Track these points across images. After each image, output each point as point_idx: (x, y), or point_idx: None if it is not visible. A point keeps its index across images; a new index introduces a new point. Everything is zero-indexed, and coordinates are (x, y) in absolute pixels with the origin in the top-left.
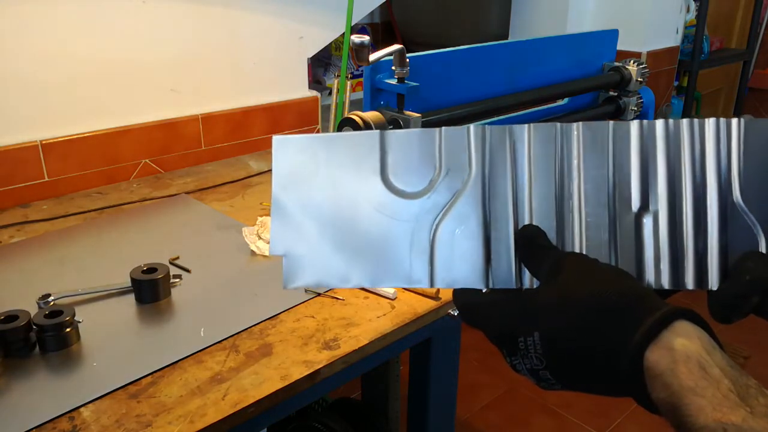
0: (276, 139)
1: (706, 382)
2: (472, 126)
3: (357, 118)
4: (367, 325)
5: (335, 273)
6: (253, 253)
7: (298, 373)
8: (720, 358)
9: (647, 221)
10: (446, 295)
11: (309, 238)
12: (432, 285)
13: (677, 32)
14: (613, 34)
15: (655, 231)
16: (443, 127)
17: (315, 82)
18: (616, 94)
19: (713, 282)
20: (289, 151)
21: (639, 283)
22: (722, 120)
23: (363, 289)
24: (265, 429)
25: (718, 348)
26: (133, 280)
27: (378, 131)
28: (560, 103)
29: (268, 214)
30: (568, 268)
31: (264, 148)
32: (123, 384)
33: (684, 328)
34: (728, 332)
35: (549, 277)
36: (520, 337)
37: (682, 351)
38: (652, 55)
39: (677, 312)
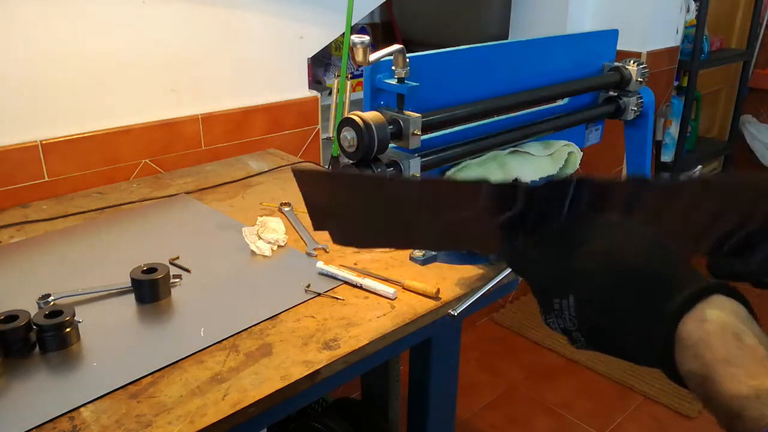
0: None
1: (741, 351)
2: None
3: (357, 118)
4: (367, 325)
5: None
6: (253, 253)
7: (298, 373)
8: (757, 328)
9: None
10: (446, 295)
11: None
12: None
13: (677, 32)
14: (613, 34)
15: None
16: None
17: (315, 82)
18: (616, 94)
19: None
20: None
21: (677, 253)
22: None
23: (362, 288)
24: (265, 429)
25: (754, 320)
26: (133, 280)
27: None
28: (560, 103)
29: (268, 214)
30: (607, 231)
31: (264, 147)
32: (123, 384)
33: (720, 302)
34: None
35: (589, 237)
36: (555, 298)
37: (717, 322)
38: (652, 55)
39: (715, 285)
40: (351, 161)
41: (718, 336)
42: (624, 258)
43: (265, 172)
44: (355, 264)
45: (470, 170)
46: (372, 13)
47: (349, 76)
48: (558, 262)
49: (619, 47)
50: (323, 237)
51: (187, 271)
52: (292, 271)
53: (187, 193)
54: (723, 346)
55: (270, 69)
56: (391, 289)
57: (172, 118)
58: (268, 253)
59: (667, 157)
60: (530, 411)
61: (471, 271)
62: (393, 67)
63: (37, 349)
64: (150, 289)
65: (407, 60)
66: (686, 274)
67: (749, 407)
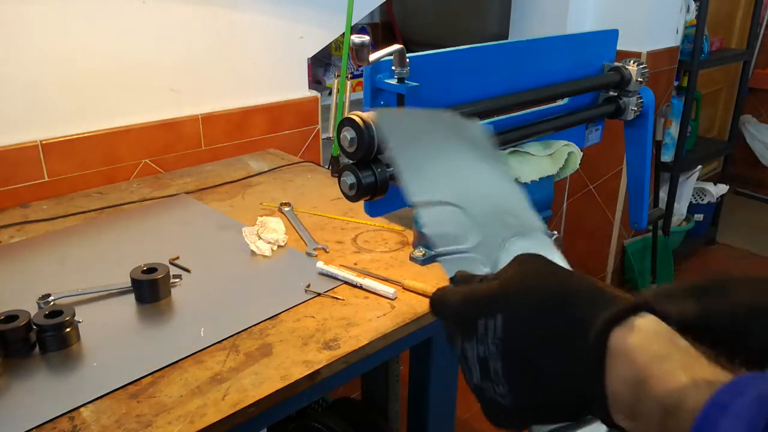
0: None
1: (675, 350)
2: None
3: (357, 118)
4: (367, 325)
5: None
6: (253, 253)
7: (298, 373)
8: (686, 341)
9: None
10: None
11: None
12: None
13: (677, 32)
14: (613, 34)
15: None
16: None
17: (315, 82)
18: (616, 94)
19: None
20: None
21: (591, 281)
22: None
23: (362, 288)
24: (265, 429)
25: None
26: (133, 280)
27: None
28: (560, 103)
29: (268, 214)
30: (535, 261)
31: (264, 147)
32: (123, 384)
33: (650, 317)
34: None
35: (514, 267)
36: (480, 319)
37: (650, 329)
38: (652, 55)
39: (642, 303)
40: (351, 161)
41: (652, 340)
42: (553, 277)
43: (265, 172)
44: (355, 264)
45: None
46: (372, 13)
47: (349, 76)
48: (486, 286)
49: (619, 47)
50: (323, 237)
51: (187, 271)
52: (292, 271)
53: (187, 193)
54: (657, 346)
55: (270, 69)
56: (391, 289)
57: (172, 118)
58: (268, 253)
59: (667, 157)
60: None
61: None
62: (393, 67)
63: (37, 349)
64: (150, 289)
65: (407, 60)
66: (615, 292)
67: (688, 397)
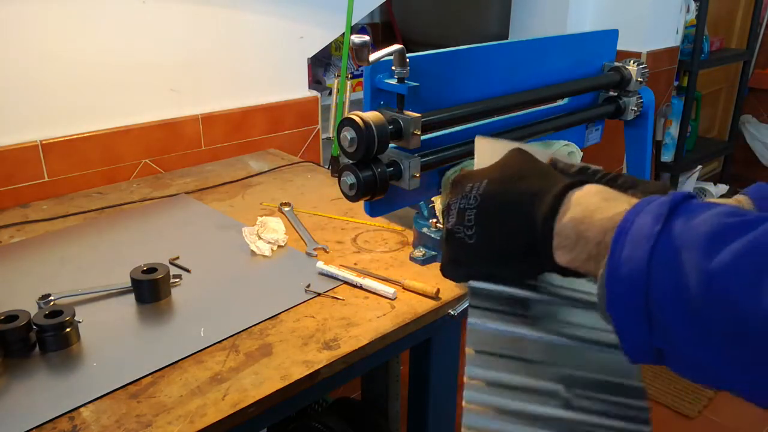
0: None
1: (620, 195)
2: None
3: (357, 118)
4: (367, 325)
5: None
6: (253, 253)
7: (298, 373)
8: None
9: None
10: (446, 294)
11: None
12: None
13: (677, 32)
14: (613, 34)
15: None
16: None
17: (315, 82)
18: (616, 94)
19: None
20: None
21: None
22: None
23: (362, 288)
24: (265, 429)
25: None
26: (133, 280)
27: None
28: (560, 103)
29: (268, 214)
30: (519, 152)
31: (264, 147)
32: (123, 384)
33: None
34: None
35: (505, 155)
36: (470, 183)
37: (601, 188)
38: (652, 55)
39: (586, 179)
40: (351, 161)
41: (602, 191)
42: (529, 163)
43: (265, 172)
44: (355, 264)
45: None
46: (372, 13)
47: (349, 76)
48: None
49: (619, 47)
50: (323, 237)
51: (187, 271)
52: (292, 271)
53: (187, 193)
54: (606, 194)
55: (270, 69)
56: (391, 289)
57: (172, 118)
58: (268, 253)
59: (667, 157)
60: None
61: None
62: (393, 67)
63: (37, 349)
64: (150, 289)
65: (407, 60)
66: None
67: (621, 215)
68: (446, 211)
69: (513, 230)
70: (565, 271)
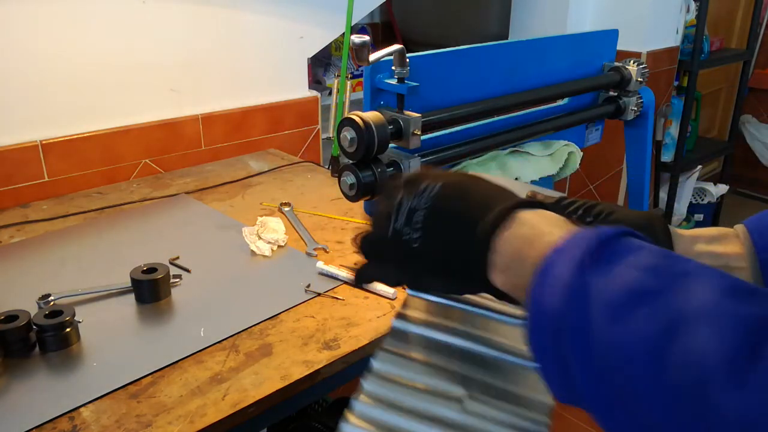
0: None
1: (559, 221)
2: None
3: (357, 118)
4: (367, 325)
5: None
6: (253, 253)
7: (298, 373)
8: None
9: None
10: None
11: None
12: None
13: (677, 32)
14: (613, 34)
15: None
16: None
17: (315, 82)
18: (616, 94)
19: None
20: None
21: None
22: None
23: (363, 288)
24: (265, 429)
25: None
26: (133, 280)
27: None
28: (560, 103)
29: (268, 214)
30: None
31: (264, 147)
32: (123, 384)
33: (531, 210)
34: None
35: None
36: (426, 182)
37: (549, 214)
38: (652, 55)
39: (525, 201)
40: (351, 161)
41: (540, 214)
42: (485, 181)
43: (265, 172)
44: (355, 264)
45: (470, 170)
46: (372, 13)
47: (349, 76)
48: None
49: (619, 47)
50: (323, 237)
51: (187, 271)
52: (292, 271)
53: (187, 193)
54: (546, 218)
55: (270, 69)
56: (391, 289)
57: (172, 118)
58: (268, 253)
59: (667, 157)
60: None
61: None
62: (393, 67)
63: (37, 349)
64: (150, 289)
65: (407, 60)
66: (509, 194)
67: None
68: (397, 208)
69: (455, 240)
70: (500, 294)
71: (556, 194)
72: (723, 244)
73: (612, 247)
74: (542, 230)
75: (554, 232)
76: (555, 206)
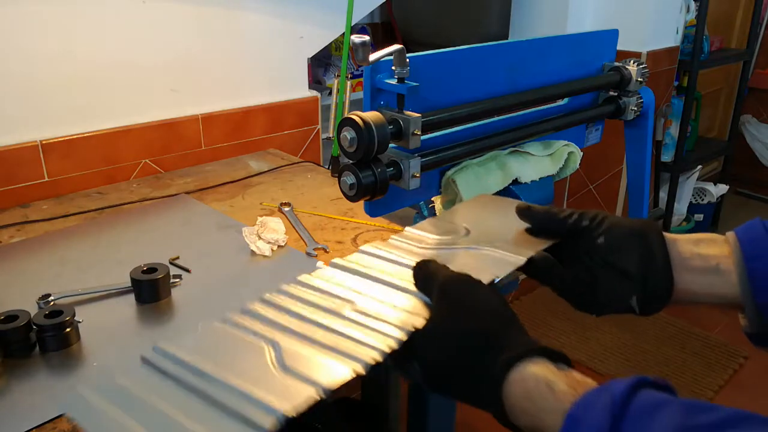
0: None
1: (554, 398)
2: None
3: (357, 118)
4: None
5: None
6: (253, 253)
7: None
8: (569, 377)
9: None
10: None
11: None
12: None
13: (677, 32)
14: (613, 34)
15: None
16: None
17: (315, 82)
18: (616, 94)
19: None
20: None
21: (507, 313)
22: None
23: None
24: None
25: (570, 369)
26: (133, 280)
27: None
28: (560, 103)
29: (268, 214)
30: (446, 297)
31: (264, 147)
32: None
33: (536, 360)
34: (728, 333)
35: (434, 305)
36: (405, 365)
37: (533, 378)
38: (652, 55)
39: (530, 349)
40: (351, 161)
41: (535, 390)
42: (456, 325)
43: (265, 172)
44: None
45: (470, 170)
46: (372, 13)
47: (349, 76)
48: (411, 334)
49: (619, 47)
50: (323, 237)
51: (187, 271)
52: (292, 271)
53: (187, 193)
54: (540, 397)
55: (270, 69)
56: None
57: (172, 118)
58: (268, 253)
59: (667, 157)
60: None
61: None
62: (393, 67)
63: (37, 349)
64: (150, 289)
65: (407, 60)
66: (509, 338)
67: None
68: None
69: (464, 399)
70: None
71: (546, 207)
72: (710, 247)
73: (629, 416)
74: (545, 412)
75: (545, 411)
76: (548, 215)
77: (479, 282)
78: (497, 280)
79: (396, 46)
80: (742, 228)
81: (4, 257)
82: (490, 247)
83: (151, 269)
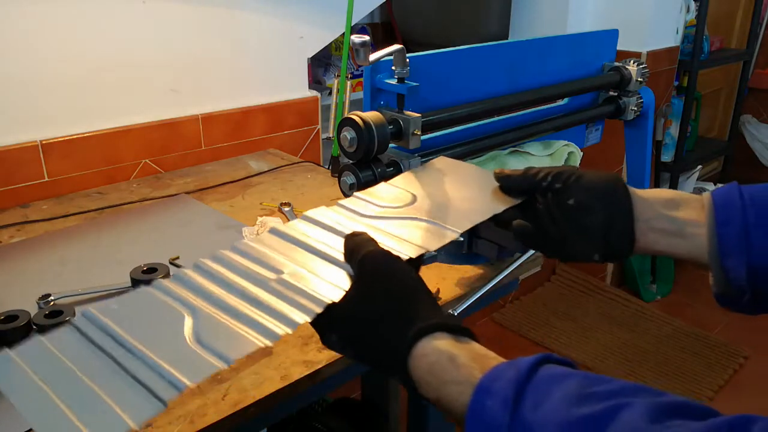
0: None
1: (456, 371)
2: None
3: (357, 118)
4: None
5: None
6: None
7: (298, 373)
8: (472, 349)
9: None
10: (446, 295)
11: None
12: None
13: (677, 32)
14: (613, 34)
15: None
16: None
17: (315, 82)
18: (616, 94)
19: None
20: None
21: (418, 289)
22: None
23: None
24: (265, 429)
25: (473, 342)
26: (133, 280)
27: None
28: (560, 103)
29: (268, 214)
30: (363, 272)
31: (264, 147)
32: None
33: (436, 336)
34: (728, 333)
35: (353, 279)
36: (324, 334)
37: (435, 352)
38: (652, 55)
39: (435, 324)
40: (351, 161)
41: (437, 363)
42: (370, 304)
43: (265, 172)
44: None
45: None
46: (372, 13)
47: (349, 76)
48: (329, 308)
49: (619, 47)
50: None
51: None
52: None
53: (187, 193)
54: (442, 370)
55: (270, 69)
56: None
57: (172, 118)
58: None
59: (667, 157)
60: None
61: (471, 271)
62: (393, 67)
63: None
64: None
65: (407, 60)
66: (417, 315)
67: (469, 393)
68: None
69: (376, 365)
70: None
71: (543, 166)
72: (681, 210)
73: (532, 384)
74: (446, 384)
75: (452, 382)
76: (524, 177)
77: (396, 258)
78: (428, 255)
79: (396, 46)
80: (719, 191)
81: (4, 257)
82: (428, 218)
83: (151, 269)
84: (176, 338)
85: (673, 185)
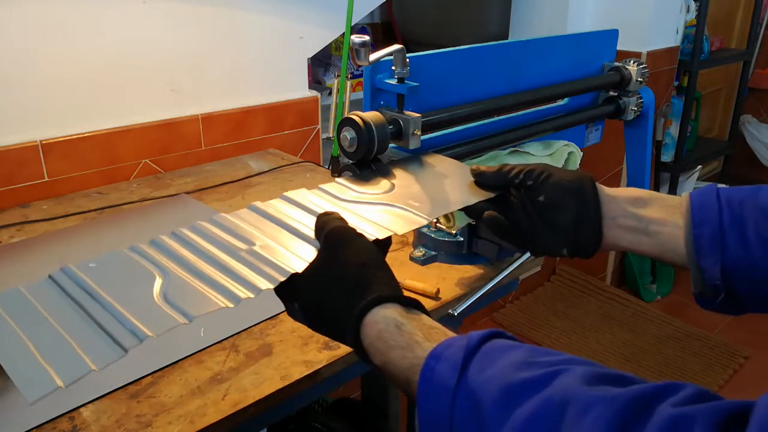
0: None
1: (402, 337)
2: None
3: (357, 118)
4: None
5: None
6: None
7: (298, 373)
8: (416, 320)
9: None
10: (446, 295)
11: None
12: None
13: (677, 32)
14: (613, 34)
15: None
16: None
17: (315, 82)
18: (616, 94)
19: None
20: None
21: (376, 263)
22: None
23: None
24: (265, 429)
25: (422, 314)
26: None
27: None
28: (560, 103)
29: None
30: (327, 245)
31: (264, 147)
32: (123, 384)
33: (386, 306)
34: (728, 333)
35: (318, 253)
36: (287, 303)
37: (383, 321)
38: (652, 55)
39: (387, 296)
40: (351, 161)
41: (385, 330)
42: (328, 276)
43: (265, 172)
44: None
45: None
46: (372, 13)
47: (349, 76)
48: (292, 276)
49: (619, 47)
50: None
51: None
52: None
53: (187, 193)
54: (390, 337)
55: (270, 69)
56: None
57: (172, 118)
58: None
59: (667, 157)
60: None
61: (471, 271)
62: (393, 67)
63: None
64: None
65: (407, 60)
66: (379, 284)
67: (412, 375)
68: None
69: (334, 336)
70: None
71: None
72: (647, 208)
73: (480, 352)
74: (392, 349)
75: (403, 349)
76: (497, 174)
77: (360, 235)
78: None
79: (396, 46)
80: (697, 192)
81: (4, 257)
82: (402, 205)
83: None
84: (145, 295)
85: (673, 185)
